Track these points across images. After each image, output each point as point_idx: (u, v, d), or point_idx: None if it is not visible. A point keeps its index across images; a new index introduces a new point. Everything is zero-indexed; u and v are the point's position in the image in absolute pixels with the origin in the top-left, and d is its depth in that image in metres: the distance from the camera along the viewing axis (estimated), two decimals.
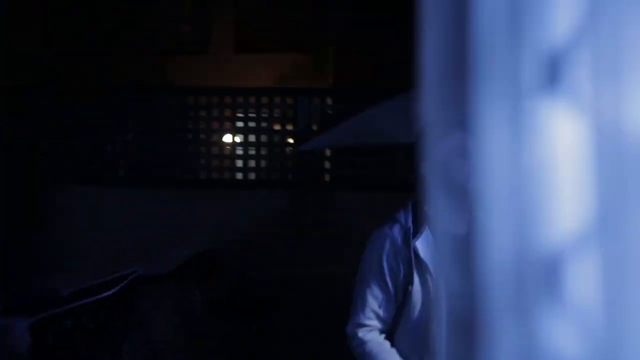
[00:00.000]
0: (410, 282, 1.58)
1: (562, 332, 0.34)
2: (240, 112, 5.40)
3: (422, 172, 1.55)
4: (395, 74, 3.03)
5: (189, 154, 5.38)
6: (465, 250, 0.38)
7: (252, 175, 5.37)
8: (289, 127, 5.32)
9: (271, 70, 7.04)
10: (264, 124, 5.29)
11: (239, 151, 5.47)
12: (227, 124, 5.45)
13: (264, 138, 5.29)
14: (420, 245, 1.59)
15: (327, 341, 2.56)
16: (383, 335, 1.63)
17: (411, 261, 1.57)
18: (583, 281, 0.33)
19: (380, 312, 1.61)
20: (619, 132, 0.32)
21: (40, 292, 3.40)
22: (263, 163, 5.34)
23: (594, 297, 0.33)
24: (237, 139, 5.48)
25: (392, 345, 1.62)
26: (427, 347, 1.54)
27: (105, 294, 2.79)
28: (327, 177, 5.39)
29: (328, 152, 5.21)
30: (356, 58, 6.49)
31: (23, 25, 6.07)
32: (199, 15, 8.00)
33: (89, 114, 5.21)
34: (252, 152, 5.32)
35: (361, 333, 1.62)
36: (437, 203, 0.40)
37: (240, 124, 5.42)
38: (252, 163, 5.28)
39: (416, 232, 1.61)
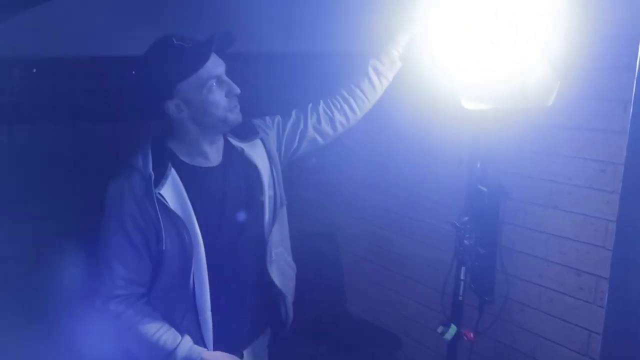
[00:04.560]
0: (160, 239, 1.36)
1: None
2: None
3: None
4: None
5: None
6: None
7: None
8: None
9: None
10: None
11: None
12: None
13: None
14: (167, 193, 1.36)
15: None
16: (141, 301, 1.43)
17: (157, 215, 1.35)
18: None
19: (132, 276, 1.40)
20: None
21: None
22: None
23: None
24: None
25: (153, 307, 1.44)
26: (188, 304, 1.43)
27: None
28: None
29: None
30: None
31: None
32: None
33: None
34: None
35: (113, 305, 1.40)
36: None
37: None
38: None
39: (159, 179, 1.37)
